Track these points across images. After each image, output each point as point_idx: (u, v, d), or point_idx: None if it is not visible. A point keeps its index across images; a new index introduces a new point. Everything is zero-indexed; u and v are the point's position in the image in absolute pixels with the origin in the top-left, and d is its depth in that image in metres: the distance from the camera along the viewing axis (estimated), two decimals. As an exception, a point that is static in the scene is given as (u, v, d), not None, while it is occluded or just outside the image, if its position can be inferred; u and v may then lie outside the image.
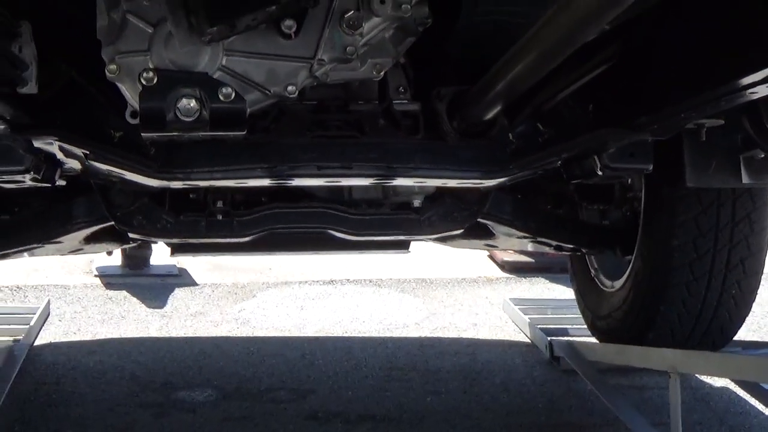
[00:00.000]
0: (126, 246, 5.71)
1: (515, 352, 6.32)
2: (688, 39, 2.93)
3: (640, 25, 3.10)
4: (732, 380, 5.19)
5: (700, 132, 3.69)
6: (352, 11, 2.80)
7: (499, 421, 5.06)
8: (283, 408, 5.20)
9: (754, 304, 4.70)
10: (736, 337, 4.77)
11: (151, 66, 2.78)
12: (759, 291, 4.66)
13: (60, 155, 3.32)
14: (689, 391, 4.73)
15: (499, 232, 4.92)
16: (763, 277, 4.69)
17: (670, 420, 4.33)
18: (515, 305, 6.95)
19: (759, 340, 4.86)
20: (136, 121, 2.91)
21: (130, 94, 2.84)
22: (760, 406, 5.09)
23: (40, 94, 2.84)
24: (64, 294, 7.55)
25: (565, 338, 5.85)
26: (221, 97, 2.83)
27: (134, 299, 7.61)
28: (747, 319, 4.74)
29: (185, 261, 8.31)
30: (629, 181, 4.79)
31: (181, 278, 8.13)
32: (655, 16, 3.02)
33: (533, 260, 7.59)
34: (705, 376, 4.94)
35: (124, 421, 4.99)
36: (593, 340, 5.44)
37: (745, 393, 5.20)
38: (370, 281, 8.07)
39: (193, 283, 8.04)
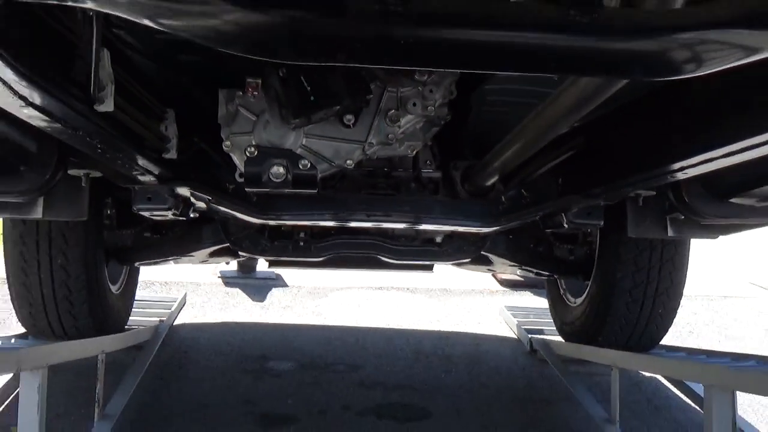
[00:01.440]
0: (238, 259, 5.79)
1: (506, 345, 6.31)
2: (630, 137, 2.99)
3: (597, 126, 3.16)
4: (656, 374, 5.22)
5: (638, 199, 3.70)
6: (393, 110, 2.90)
7: (491, 394, 5.10)
8: (341, 377, 5.26)
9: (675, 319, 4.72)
10: (661, 343, 4.79)
11: (253, 143, 2.91)
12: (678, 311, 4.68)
13: (192, 199, 3.43)
14: (626, 378, 4.75)
15: (496, 261, 4.94)
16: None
17: (610, 397, 4.38)
18: (508, 311, 6.92)
19: (678, 345, 4.84)
20: (242, 180, 3.02)
21: (239, 162, 2.98)
22: (678, 392, 5.06)
23: (178, 158, 2.96)
24: (196, 289, 7.57)
25: (541, 336, 5.82)
26: (300, 167, 2.94)
27: (244, 295, 7.60)
28: (669, 330, 4.76)
29: (280, 269, 8.38)
30: (588, 230, 4.79)
31: (277, 281, 8.11)
32: (607, 120, 3.09)
33: (523, 279, 7.55)
34: (639, 371, 4.92)
35: (230, 381, 5.08)
36: (560, 339, 5.44)
37: (668, 382, 5.20)
38: (407, 289, 8.03)
39: (285, 285, 8.03)
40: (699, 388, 4.17)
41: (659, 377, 5.28)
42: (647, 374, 5.36)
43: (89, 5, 1.45)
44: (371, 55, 1.43)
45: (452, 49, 1.45)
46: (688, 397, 4.89)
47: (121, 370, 4.57)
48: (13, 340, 4.25)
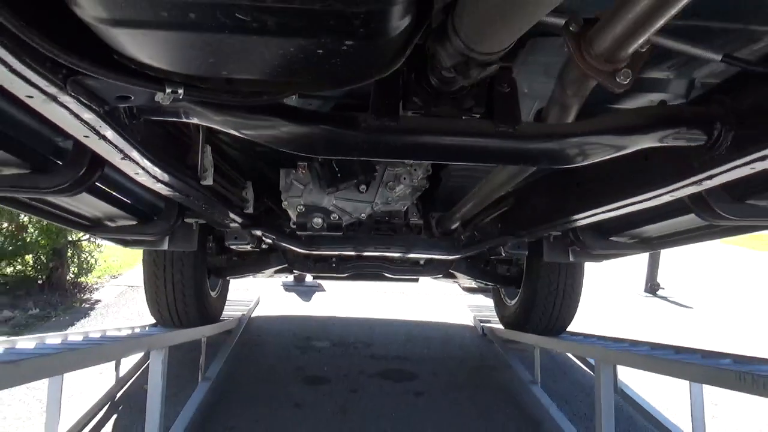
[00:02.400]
0: (293, 274, 5.79)
1: (466, 330, 6.23)
2: (543, 199, 2.99)
3: (522, 191, 3.16)
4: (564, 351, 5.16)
5: (550, 237, 3.69)
6: (391, 182, 2.92)
7: (456, 362, 5.02)
8: (359, 351, 5.20)
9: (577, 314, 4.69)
10: (567, 329, 4.75)
11: (302, 203, 2.94)
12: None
13: (263, 238, 3.45)
14: (546, 353, 4.69)
15: (460, 276, 4.93)
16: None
17: (534, 366, 4.34)
18: (468, 307, 6.89)
19: (579, 332, 4.79)
20: (294, 227, 3.03)
21: (292, 215, 2.99)
22: (580, 363, 5.02)
23: (254, 212, 2.97)
24: (266, 291, 7.58)
25: (489, 325, 5.75)
26: (331, 218, 2.96)
27: (296, 296, 7.54)
28: (573, 322, 4.73)
29: (321, 281, 8.33)
30: (519, 257, 4.76)
31: (319, 288, 8.01)
32: (529, 187, 3.09)
33: (478, 287, 7.45)
34: (552, 348, 4.87)
35: (287, 354, 5.04)
36: (501, 327, 5.40)
37: (573, 357, 5.15)
38: (402, 293, 8.00)
39: (324, 290, 7.97)
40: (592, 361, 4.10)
41: (567, 353, 5.21)
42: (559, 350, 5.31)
43: (195, 121, 1.48)
44: (374, 153, 1.45)
45: (426, 149, 1.46)
46: (586, 366, 4.85)
47: (216, 347, 4.55)
48: (147, 328, 4.24)
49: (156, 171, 1.80)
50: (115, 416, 3.54)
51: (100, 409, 3.54)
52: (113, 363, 3.80)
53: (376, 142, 1.41)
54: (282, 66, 1.03)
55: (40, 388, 3.53)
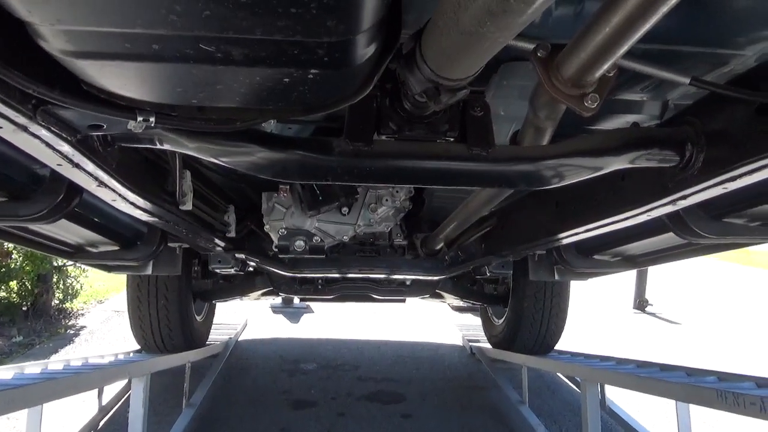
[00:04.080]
0: (281, 296, 5.74)
1: (455, 349, 6.21)
2: (525, 219, 2.99)
3: (504, 212, 3.18)
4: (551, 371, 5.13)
5: (535, 256, 3.70)
6: (373, 204, 2.91)
7: (445, 383, 5.00)
8: (346, 374, 5.16)
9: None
10: (555, 348, 4.72)
11: (284, 226, 2.92)
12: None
13: (247, 261, 3.42)
14: (533, 372, 4.65)
15: (447, 296, 4.93)
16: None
17: (521, 385, 4.30)
18: (456, 326, 6.85)
19: (566, 350, 4.77)
20: (277, 250, 3.01)
21: (275, 238, 2.96)
22: (567, 381, 4.99)
23: (237, 236, 2.95)
24: (254, 313, 7.49)
25: (477, 344, 5.72)
26: (314, 241, 2.94)
27: (284, 319, 7.49)
28: (562, 340, 4.71)
29: (309, 303, 8.27)
30: (505, 276, 4.77)
31: (307, 310, 7.96)
32: (510, 208, 3.11)
33: (466, 306, 7.44)
34: (539, 368, 4.86)
35: (274, 377, 4.98)
36: (489, 346, 5.36)
37: (561, 376, 5.11)
38: (391, 313, 7.92)
39: (312, 312, 7.92)
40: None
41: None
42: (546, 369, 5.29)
43: (170, 148, 1.48)
44: (349, 177, 1.44)
45: (400, 173, 1.46)
46: (574, 384, 4.82)
47: (202, 371, 4.48)
48: (131, 354, 4.17)
49: (134, 197, 1.79)
50: (97, 446, 3.47)
51: (83, 439, 3.47)
52: (95, 391, 3.72)
53: (351, 167, 1.41)
54: (250, 94, 1.03)
55: (19, 418, 3.45)
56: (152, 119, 1.19)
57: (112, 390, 3.98)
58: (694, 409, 2.90)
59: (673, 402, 2.92)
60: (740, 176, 1.42)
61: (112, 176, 1.56)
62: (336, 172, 1.42)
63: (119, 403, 4.00)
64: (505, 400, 4.47)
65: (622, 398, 4.29)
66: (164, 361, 3.52)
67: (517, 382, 4.48)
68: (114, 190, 1.68)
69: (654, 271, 9.59)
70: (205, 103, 1.13)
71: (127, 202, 1.83)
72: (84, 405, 3.90)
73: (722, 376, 2.44)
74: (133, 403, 2.79)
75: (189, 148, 1.46)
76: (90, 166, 1.43)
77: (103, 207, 2.54)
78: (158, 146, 1.47)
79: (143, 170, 1.89)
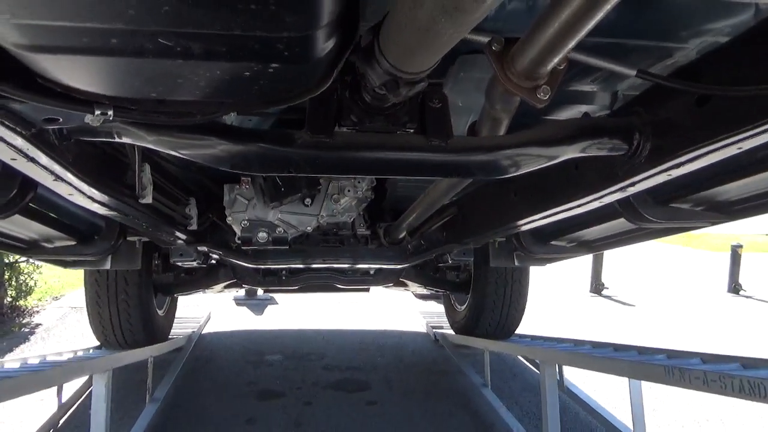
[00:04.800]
0: (244, 288, 5.69)
1: (419, 336, 6.29)
2: (485, 207, 3.03)
3: (465, 200, 3.23)
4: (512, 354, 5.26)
5: (495, 243, 3.80)
6: (336, 194, 2.92)
7: (409, 369, 5.07)
8: (312, 363, 5.17)
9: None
10: (516, 332, 4.85)
11: (246, 218, 2.91)
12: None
13: (210, 253, 3.39)
14: (495, 356, 4.76)
15: (410, 284, 4.98)
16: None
17: (484, 369, 4.40)
18: (420, 314, 6.93)
19: (525, 334, 4.89)
20: (240, 242, 3.00)
21: (237, 230, 2.95)
22: (528, 364, 5.12)
23: (198, 228, 2.91)
24: (217, 309, 7.41)
25: (441, 331, 5.80)
26: (277, 232, 2.93)
27: (248, 311, 7.46)
28: (522, 323, 4.83)
29: (272, 294, 8.24)
30: (466, 263, 4.84)
31: (271, 301, 7.96)
32: (470, 197, 3.16)
33: (429, 294, 7.52)
34: (501, 351, 4.98)
35: (239, 369, 4.96)
36: (452, 332, 5.46)
37: (522, 359, 5.25)
38: (355, 304, 8.00)
39: (276, 303, 7.91)
40: (539, 361, 4.20)
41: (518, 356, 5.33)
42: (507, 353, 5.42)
43: (128, 141, 1.46)
44: (310, 169, 1.45)
45: (361, 164, 1.49)
46: (534, 366, 4.95)
47: (165, 366, 4.43)
48: (90, 351, 4.09)
49: (92, 191, 1.76)
50: (57, 444, 3.41)
51: (42, 438, 3.39)
52: (55, 389, 3.64)
53: (312, 158, 1.42)
54: (211, 87, 1.03)
55: (-26, 419, 3.35)
56: (110, 113, 1.17)
57: (71, 387, 3.90)
58: (646, 386, 3.05)
59: (626, 381, 3.06)
60: (683, 163, 1.49)
61: (68, 170, 1.53)
62: (297, 164, 1.43)
63: (80, 401, 3.93)
64: (468, 384, 4.57)
65: (580, 380, 4.45)
66: (127, 356, 3.46)
67: (479, 367, 4.58)
68: (71, 184, 1.65)
69: (609, 256, 9.91)
70: (165, 97, 1.12)
71: (84, 196, 1.80)
72: (42, 404, 3.82)
73: (671, 354, 2.56)
74: (95, 399, 2.75)
75: (148, 141, 1.44)
76: (46, 161, 1.40)
77: (58, 201, 2.48)
78: (117, 140, 1.45)
79: (101, 163, 1.86)
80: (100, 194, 1.80)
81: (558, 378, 3.51)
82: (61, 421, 3.66)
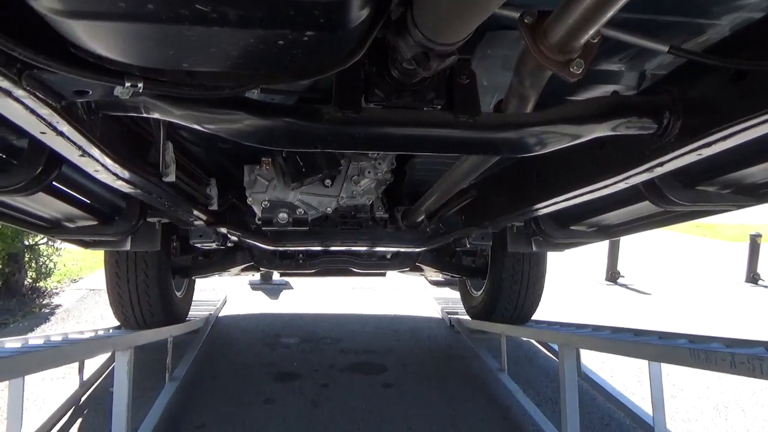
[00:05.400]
0: (260, 272, 5.72)
1: (434, 322, 6.29)
2: (505, 190, 3.02)
3: (484, 184, 3.21)
4: (529, 338, 5.27)
5: (513, 227, 3.76)
6: (356, 176, 2.92)
7: (425, 353, 5.08)
8: (328, 347, 5.20)
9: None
10: (532, 318, 4.83)
11: (267, 199, 2.91)
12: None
13: (229, 235, 3.40)
14: (512, 342, 4.76)
15: (426, 269, 4.99)
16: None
17: (500, 354, 4.40)
18: (435, 300, 6.95)
19: (543, 320, 4.88)
20: (260, 222, 3.00)
21: (257, 211, 2.96)
22: (544, 350, 5.11)
23: (219, 209, 2.92)
24: (233, 290, 7.49)
25: (456, 316, 5.82)
26: (297, 213, 2.94)
27: (264, 295, 7.49)
28: (537, 311, 4.82)
29: (289, 278, 8.29)
30: (483, 248, 4.83)
31: (287, 286, 7.97)
32: (490, 180, 3.14)
33: (444, 280, 7.48)
34: (517, 337, 4.98)
35: (256, 351, 5.00)
36: (468, 318, 5.47)
37: (537, 344, 5.26)
38: (371, 289, 8.02)
39: (292, 288, 7.94)
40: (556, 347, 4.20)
41: (533, 341, 5.33)
42: (525, 339, 5.41)
43: (156, 116, 1.46)
44: (337, 144, 1.45)
45: (388, 140, 1.48)
46: (550, 353, 4.95)
47: (183, 348, 4.49)
48: (111, 330, 4.15)
49: (116, 168, 1.77)
50: (80, 420, 3.46)
51: (64, 414, 3.46)
52: (77, 367, 3.71)
53: (339, 134, 1.41)
54: (243, 57, 1.03)
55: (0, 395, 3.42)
56: (140, 85, 1.18)
57: (92, 366, 3.97)
58: (664, 373, 3.03)
59: (643, 368, 3.04)
60: (715, 142, 1.46)
61: (96, 145, 1.54)
62: (325, 140, 1.42)
63: (100, 379, 3.99)
64: (484, 369, 4.58)
65: (597, 367, 4.44)
66: (148, 335, 3.52)
67: (496, 352, 4.58)
68: (97, 160, 1.66)
69: (625, 245, 9.82)
70: (196, 68, 1.12)
71: (109, 172, 1.81)
72: (64, 382, 3.89)
73: (692, 339, 2.54)
74: (118, 376, 2.79)
75: (175, 116, 1.44)
76: (74, 135, 1.41)
77: (81, 180, 2.50)
78: (144, 114, 1.45)
79: (126, 141, 1.87)
80: (124, 171, 1.81)
81: (576, 363, 3.49)
82: (83, 398, 3.73)
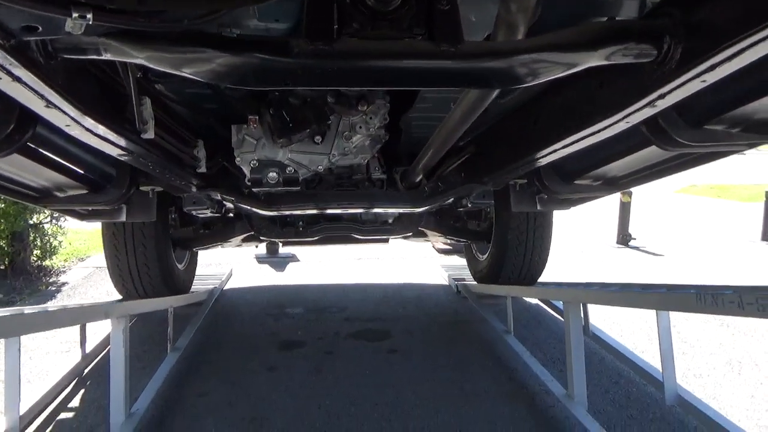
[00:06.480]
0: (260, 243, 5.68)
1: (441, 288, 6.25)
2: (502, 142, 2.91)
3: (481, 137, 3.12)
4: (535, 299, 5.22)
5: (516, 185, 3.69)
6: (347, 131, 2.83)
7: (431, 319, 5.05)
8: (333, 315, 5.19)
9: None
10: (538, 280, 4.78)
11: (255, 158, 2.86)
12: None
13: (223, 201, 3.35)
14: (518, 304, 4.71)
15: (430, 234, 4.93)
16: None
17: (507, 317, 4.35)
18: (441, 267, 6.90)
19: (547, 281, 4.82)
20: (250, 183, 2.95)
21: (247, 171, 2.90)
22: (552, 312, 5.07)
23: (208, 172, 2.86)
24: (239, 264, 7.50)
25: (463, 283, 5.76)
26: (287, 172, 2.88)
27: (270, 268, 7.48)
28: (547, 274, 4.76)
29: (296, 251, 8.28)
30: (487, 209, 4.77)
31: (293, 258, 7.98)
32: (487, 132, 3.06)
33: (450, 247, 7.42)
34: (522, 297, 4.92)
35: (260, 321, 4.99)
36: (474, 282, 5.43)
37: (545, 306, 5.20)
38: (376, 258, 7.99)
39: (298, 260, 7.93)
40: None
41: (540, 304, 5.28)
42: (532, 302, 5.37)
43: (118, 58, 1.39)
44: (309, 80, 1.37)
45: (364, 74, 1.39)
46: (558, 314, 4.90)
47: (187, 319, 4.48)
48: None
49: (88, 122, 1.70)
50: (82, 391, 3.47)
51: (67, 385, 3.47)
52: (78, 341, 3.71)
53: (310, 69, 1.33)
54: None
55: None
56: (89, 15, 1.11)
57: (94, 340, 3.97)
58: (674, 330, 2.95)
59: (653, 326, 2.96)
60: (719, 64, 1.36)
61: (60, 94, 1.47)
62: (295, 75, 1.34)
63: (103, 353, 4.00)
64: (491, 332, 4.54)
65: (607, 327, 4.38)
66: (146, 304, 3.50)
67: (502, 316, 4.53)
68: (65, 113, 1.59)
69: (636, 207, 9.68)
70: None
71: (82, 128, 1.74)
72: (67, 356, 3.90)
73: (701, 289, 2.46)
74: (114, 343, 2.76)
75: (138, 58, 1.37)
76: (32, 80, 1.34)
77: (64, 145, 2.44)
78: (104, 56, 1.38)
79: (98, 93, 1.80)
80: (97, 125, 1.75)
81: (583, 323, 3.43)
82: (86, 371, 3.74)
